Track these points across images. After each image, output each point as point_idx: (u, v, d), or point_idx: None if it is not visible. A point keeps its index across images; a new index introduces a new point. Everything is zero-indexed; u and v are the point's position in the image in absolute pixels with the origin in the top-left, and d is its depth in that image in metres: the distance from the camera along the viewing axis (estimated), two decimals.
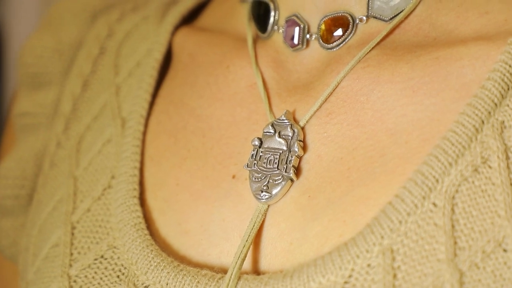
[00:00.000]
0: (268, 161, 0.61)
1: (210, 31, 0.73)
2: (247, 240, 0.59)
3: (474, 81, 0.59)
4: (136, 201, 0.65)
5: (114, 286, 0.62)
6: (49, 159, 0.74)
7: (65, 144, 0.73)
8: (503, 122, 0.57)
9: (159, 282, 0.60)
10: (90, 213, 0.67)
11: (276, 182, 0.60)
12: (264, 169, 0.61)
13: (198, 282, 0.59)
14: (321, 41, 0.64)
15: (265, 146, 0.62)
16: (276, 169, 0.61)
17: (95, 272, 0.63)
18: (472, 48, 0.60)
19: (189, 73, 0.70)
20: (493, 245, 0.54)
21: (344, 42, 0.64)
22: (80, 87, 0.75)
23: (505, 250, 0.54)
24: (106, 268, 0.63)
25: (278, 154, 0.61)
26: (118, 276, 0.62)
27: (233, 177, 0.63)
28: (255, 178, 0.61)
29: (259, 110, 0.65)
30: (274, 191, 0.60)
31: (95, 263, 0.64)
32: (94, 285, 0.62)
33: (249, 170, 0.62)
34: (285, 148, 0.61)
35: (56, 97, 0.77)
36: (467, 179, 0.56)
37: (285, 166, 0.60)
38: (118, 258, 0.63)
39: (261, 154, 0.62)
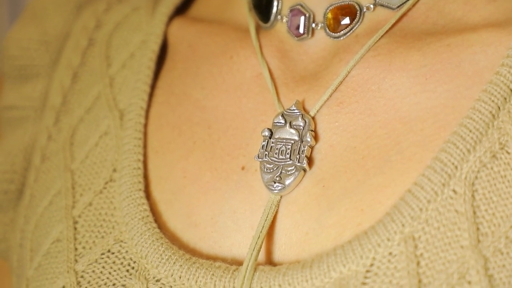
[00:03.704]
0: (280, 151, 0.61)
1: (207, 22, 0.72)
2: (261, 231, 0.58)
3: (487, 67, 0.59)
4: (142, 194, 0.64)
5: (124, 280, 0.61)
6: (40, 153, 0.72)
7: (56, 137, 0.72)
8: None
9: (172, 275, 0.59)
10: (92, 207, 0.65)
11: (289, 173, 0.60)
12: (276, 160, 0.61)
13: (213, 274, 0.58)
14: (327, 30, 0.64)
15: (276, 136, 0.61)
16: (288, 160, 0.60)
17: (103, 267, 0.62)
18: (483, 34, 0.60)
19: (190, 64, 0.69)
20: None
21: (351, 31, 0.64)
22: (70, 79, 0.74)
23: None
24: (114, 262, 0.62)
25: (290, 144, 0.61)
26: (127, 270, 0.61)
27: (243, 168, 0.62)
28: (266, 169, 0.60)
29: (266, 101, 0.64)
30: (287, 182, 0.59)
31: (102, 258, 0.62)
32: (103, 280, 0.61)
33: (260, 161, 0.61)
34: (296, 138, 0.61)
35: (45, 90, 0.75)
36: (486, 165, 0.56)
37: (297, 156, 0.60)
38: (126, 252, 0.62)
39: (272, 145, 0.61)
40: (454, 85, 0.59)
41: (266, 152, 0.61)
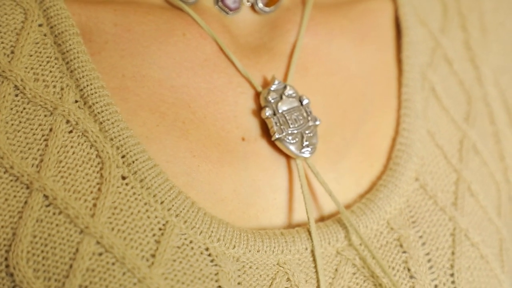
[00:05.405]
0: (294, 120, 0.67)
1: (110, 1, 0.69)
2: (305, 198, 0.65)
3: (389, 27, 0.75)
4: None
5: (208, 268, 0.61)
6: None
7: None
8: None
9: (250, 251, 0.62)
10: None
11: (311, 134, 0.67)
12: (296, 129, 0.66)
13: (285, 242, 0.63)
14: (259, 5, 0.70)
15: (281, 110, 0.67)
16: (304, 124, 0.67)
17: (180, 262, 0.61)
18: (374, 3, 0.76)
19: (130, 43, 0.66)
20: None
21: (278, 5, 0.71)
22: None
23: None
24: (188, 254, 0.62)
25: (297, 111, 0.67)
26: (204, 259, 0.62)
27: (243, 139, 0.66)
28: (289, 140, 0.66)
29: (236, 74, 0.68)
30: (314, 142, 0.67)
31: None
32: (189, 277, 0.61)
33: (282, 137, 0.66)
34: (296, 104, 0.67)
35: None
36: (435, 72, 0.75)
37: (309, 118, 0.67)
38: (191, 241, 0.62)
39: (283, 118, 0.66)
40: (378, 45, 0.74)
41: (282, 127, 0.66)
